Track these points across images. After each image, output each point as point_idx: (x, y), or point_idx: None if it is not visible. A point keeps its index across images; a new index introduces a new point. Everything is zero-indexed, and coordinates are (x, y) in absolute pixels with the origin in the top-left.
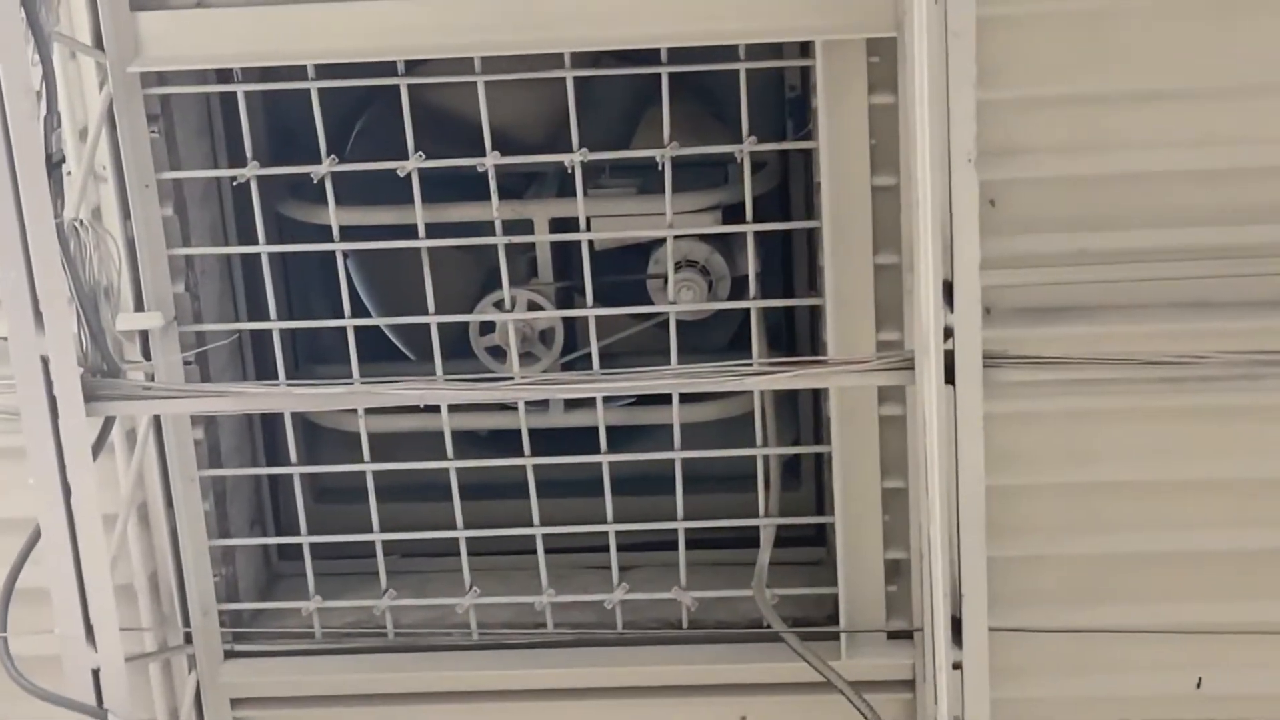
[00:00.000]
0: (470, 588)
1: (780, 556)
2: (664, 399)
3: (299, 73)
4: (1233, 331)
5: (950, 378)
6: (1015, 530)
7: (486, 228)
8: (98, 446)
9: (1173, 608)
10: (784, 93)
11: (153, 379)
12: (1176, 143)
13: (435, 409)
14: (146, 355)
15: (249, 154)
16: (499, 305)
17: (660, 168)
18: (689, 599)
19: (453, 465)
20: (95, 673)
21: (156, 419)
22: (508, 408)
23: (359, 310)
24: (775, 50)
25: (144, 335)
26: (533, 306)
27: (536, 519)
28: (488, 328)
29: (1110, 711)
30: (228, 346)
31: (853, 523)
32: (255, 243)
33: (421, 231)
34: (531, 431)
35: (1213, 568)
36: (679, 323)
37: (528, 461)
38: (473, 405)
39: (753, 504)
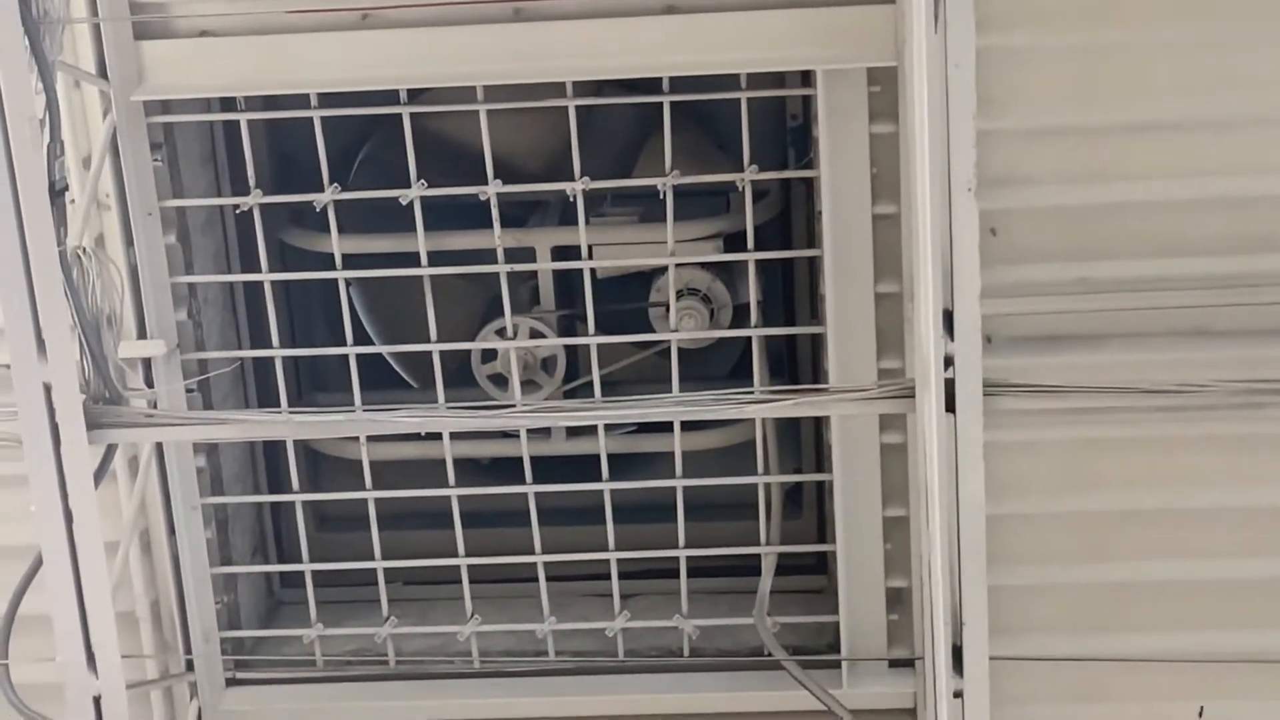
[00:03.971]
0: (472, 615)
1: (781, 584)
2: (665, 427)
3: (302, 101)
4: (1233, 360)
5: (951, 406)
6: (1016, 559)
7: (489, 256)
8: (100, 474)
9: (1174, 637)
10: (785, 121)
11: (155, 407)
12: (1176, 173)
13: (437, 437)
14: (149, 383)
15: (252, 182)
16: (501, 333)
17: (662, 196)
18: (690, 627)
19: (454, 493)
20: (97, 700)
21: (159, 446)
22: (509, 435)
23: (361, 338)
24: (777, 79)
25: (146, 363)
26: (535, 334)
27: (538, 547)
28: (490, 355)
29: None
30: (230, 374)
31: (854, 551)
32: (258, 270)
33: (424, 259)
34: (533, 459)
35: (1214, 597)
36: (680, 351)
37: (529, 489)
38: (474, 433)
39: (754, 532)
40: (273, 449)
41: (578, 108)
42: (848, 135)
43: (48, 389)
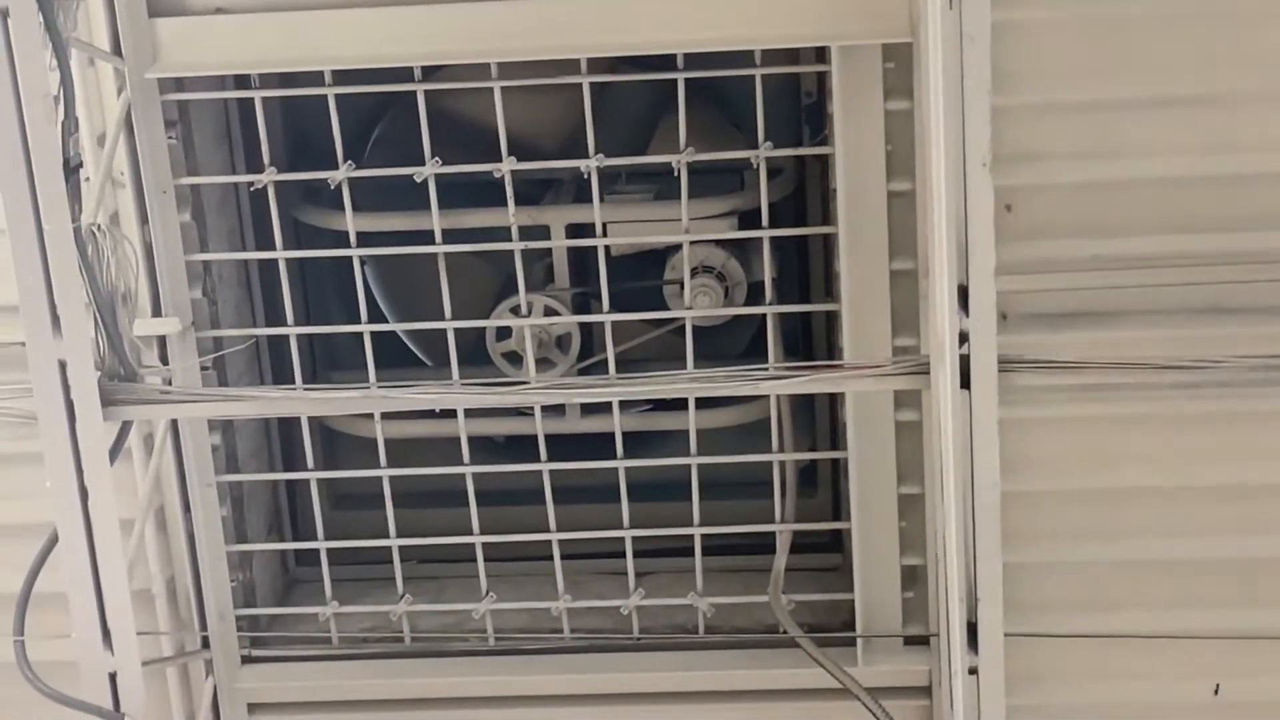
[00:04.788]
0: (486, 593)
1: (796, 562)
2: (680, 405)
3: (317, 78)
4: (1248, 337)
5: (965, 383)
6: (1031, 536)
7: (503, 233)
8: (115, 451)
9: (1189, 614)
10: (800, 99)
11: (170, 384)
12: (1192, 149)
13: (452, 414)
14: (164, 360)
15: (266, 160)
16: (515, 311)
17: (676, 173)
18: (705, 605)
19: (469, 470)
20: (112, 677)
21: (174, 424)
22: (524, 413)
23: (376, 316)
24: (791, 56)
25: (161, 340)
26: (549, 312)
27: (553, 524)
28: (504, 333)
29: (1127, 718)
30: (245, 352)
31: (869, 528)
32: (272, 248)
33: (438, 237)
34: (548, 437)
35: (1230, 574)
36: (695, 329)
37: (544, 467)
38: (489, 410)
39: (769, 510)
40: (288, 427)
41: (592, 85)
42: (862, 112)
43: (63, 366)
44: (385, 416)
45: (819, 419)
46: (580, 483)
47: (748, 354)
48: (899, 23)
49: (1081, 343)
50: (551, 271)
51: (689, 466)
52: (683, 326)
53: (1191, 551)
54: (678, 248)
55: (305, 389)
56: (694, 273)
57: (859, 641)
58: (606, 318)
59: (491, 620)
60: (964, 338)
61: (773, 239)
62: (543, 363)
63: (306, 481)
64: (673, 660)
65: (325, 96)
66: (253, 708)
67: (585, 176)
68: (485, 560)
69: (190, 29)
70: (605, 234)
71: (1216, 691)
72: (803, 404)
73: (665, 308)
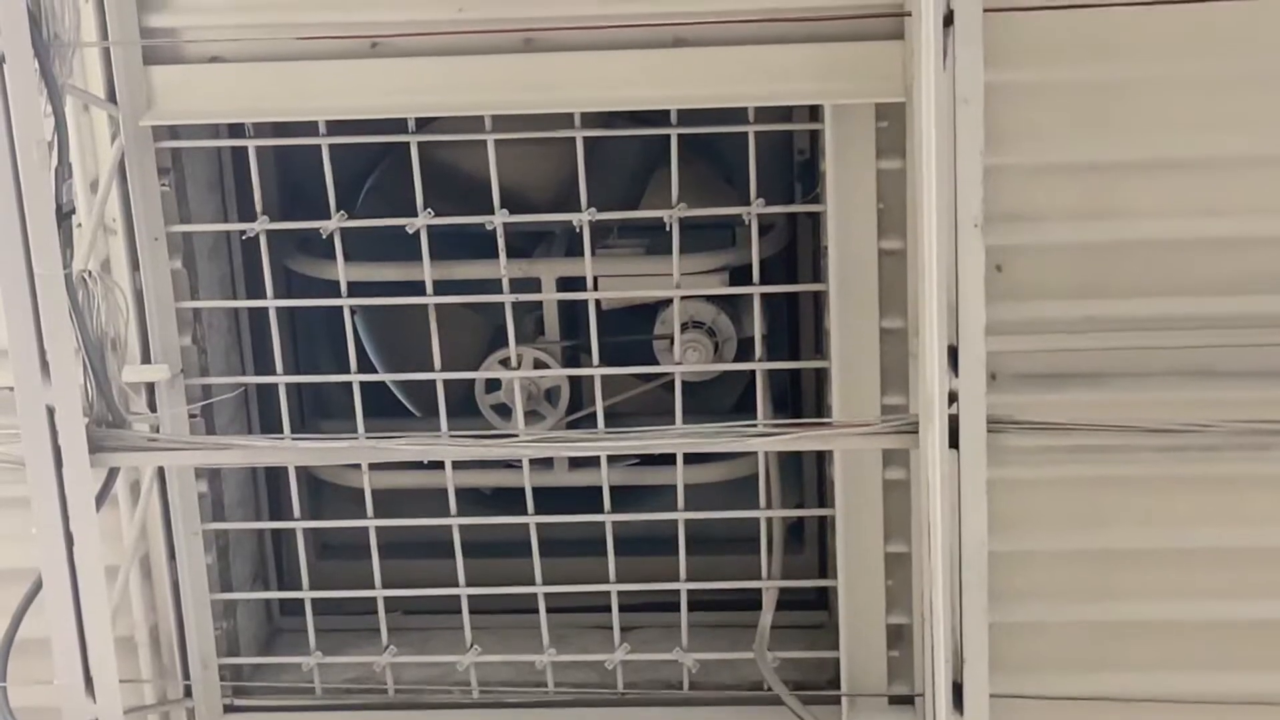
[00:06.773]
0: (471, 646)
1: (782, 619)
2: (668, 459)
3: (311, 128)
4: (1238, 401)
5: (954, 442)
6: (1018, 596)
7: (494, 286)
8: (101, 497)
9: (1175, 677)
10: (793, 156)
11: (158, 431)
12: (1183, 212)
13: (439, 466)
14: (152, 407)
15: (259, 208)
16: (505, 363)
17: (668, 228)
18: (690, 660)
19: (456, 522)
20: None
21: (160, 471)
22: (512, 466)
23: (365, 366)
24: (785, 114)
25: (150, 387)
26: (539, 365)
27: (539, 578)
28: (493, 385)
29: None
30: (233, 400)
31: (855, 586)
32: (263, 297)
33: (429, 288)
34: (535, 490)
35: (1216, 637)
36: (685, 384)
37: (531, 520)
38: (477, 463)
39: (755, 566)
40: (275, 476)
41: (585, 139)
42: (855, 170)
43: (51, 411)
44: (373, 467)
45: (806, 476)
46: (567, 536)
47: (737, 410)
48: (892, 83)
49: (1071, 404)
50: (542, 324)
51: (676, 521)
52: (672, 381)
53: (1178, 614)
54: (668, 302)
55: (293, 439)
56: (684, 328)
57: (844, 700)
58: (596, 371)
59: (476, 673)
60: (953, 397)
61: (763, 295)
62: (531, 415)
63: (292, 531)
64: (657, 716)
65: (319, 146)
66: None
67: (577, 230)
68: (470, 612)
69: (185, 77)
70: (596, 288)
71: None
72: (790, 461)
73: (655, 362)
